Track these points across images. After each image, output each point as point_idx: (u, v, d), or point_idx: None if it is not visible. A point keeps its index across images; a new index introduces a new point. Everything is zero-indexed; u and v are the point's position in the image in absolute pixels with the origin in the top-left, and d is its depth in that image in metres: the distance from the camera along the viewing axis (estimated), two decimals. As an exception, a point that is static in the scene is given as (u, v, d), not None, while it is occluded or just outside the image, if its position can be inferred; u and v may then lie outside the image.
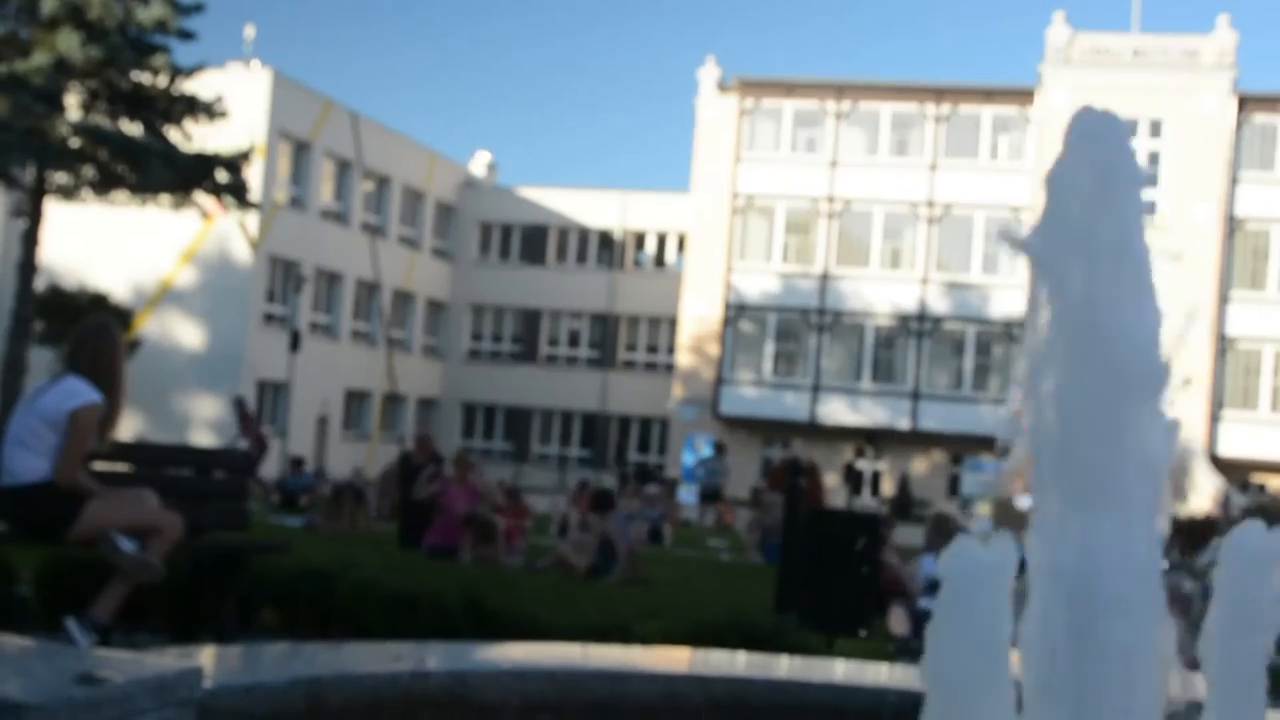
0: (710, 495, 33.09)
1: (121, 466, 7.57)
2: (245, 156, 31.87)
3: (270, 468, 36.67)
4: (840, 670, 4.68)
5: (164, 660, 2.92)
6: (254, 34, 64.13)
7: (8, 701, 2.33)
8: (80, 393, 6.43)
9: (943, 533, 10.92)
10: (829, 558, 10.39)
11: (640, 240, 52.29)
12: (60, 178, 30.73)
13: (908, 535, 22.20)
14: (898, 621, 10.42)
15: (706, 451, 43.16)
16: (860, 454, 46.02)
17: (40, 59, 29.18)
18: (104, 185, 31.08)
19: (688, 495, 35.82)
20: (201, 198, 32.04)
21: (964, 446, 44.49)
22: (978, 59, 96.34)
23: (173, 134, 31.56)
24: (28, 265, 30.74)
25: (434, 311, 52.36)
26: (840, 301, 45.52)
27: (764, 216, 46.48)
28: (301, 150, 43.81)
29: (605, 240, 52.16)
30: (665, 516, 23.71)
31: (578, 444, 51.60)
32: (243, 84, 39.70)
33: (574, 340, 52.39)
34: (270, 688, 3.20)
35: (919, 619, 9.51)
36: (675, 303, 48.65)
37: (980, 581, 2.72)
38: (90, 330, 6.77)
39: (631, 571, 14.10)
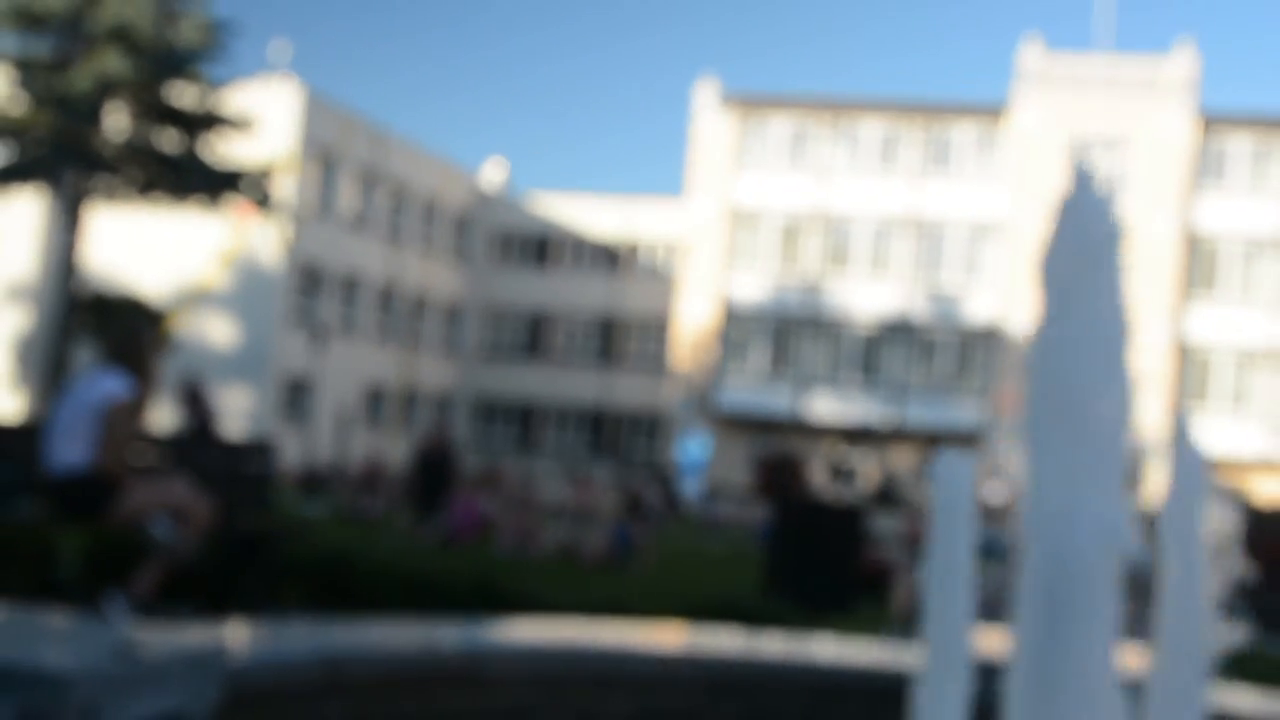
0: None
1: (157, 455, 7.58)
2: (276, 169, 31.90)
3: (293, 456, 36.70)
4: (832, 648, 4.68)
5: (195, 636, 2.92)
6: (286, 51, 64.07)
7: (49, 673, 2.34)
8: (116, 386, 6.46)
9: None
10: (814, 545, 10.42)
11: (641, 247, 52.34)
12: (101, 187, 30.75)
13: (888, 527, 22.20)
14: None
15: (702, 448, 43.09)
16: (846, 450, 46.02)
17: (84, 76, 29.18)
18: (142, 194, 31.10)
19: (687, 488, 35.77)
20: (234, 207, 32.07)
21: (944, 443, 44.51)
22: (964, 76, 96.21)
23: (208, 147, 31.57)
24: (71, 268, 30.76)
25: (449, 313, 52.42)
26: (829, 306, 45.53)
27: (757, 225, 46.48)
28: (329, 163, 43.88)
29: (608, 247, 52.24)
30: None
31: (581, 439, 51.65)
32: (276, 99, 39.83)
33: (579, 341, 52.45)
34: (293, 663, 3.20)
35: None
36: (674, 306, 48.68)
37: (959, 476, 2.88)
38: (126, 330, 6.81)
39: (648, 563, 14.41)
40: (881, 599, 11.35)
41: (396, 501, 20.53)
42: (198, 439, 11.06)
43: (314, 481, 26.02)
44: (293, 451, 36.94)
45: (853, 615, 10.20)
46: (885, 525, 19.84)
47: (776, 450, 44.73)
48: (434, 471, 16.46)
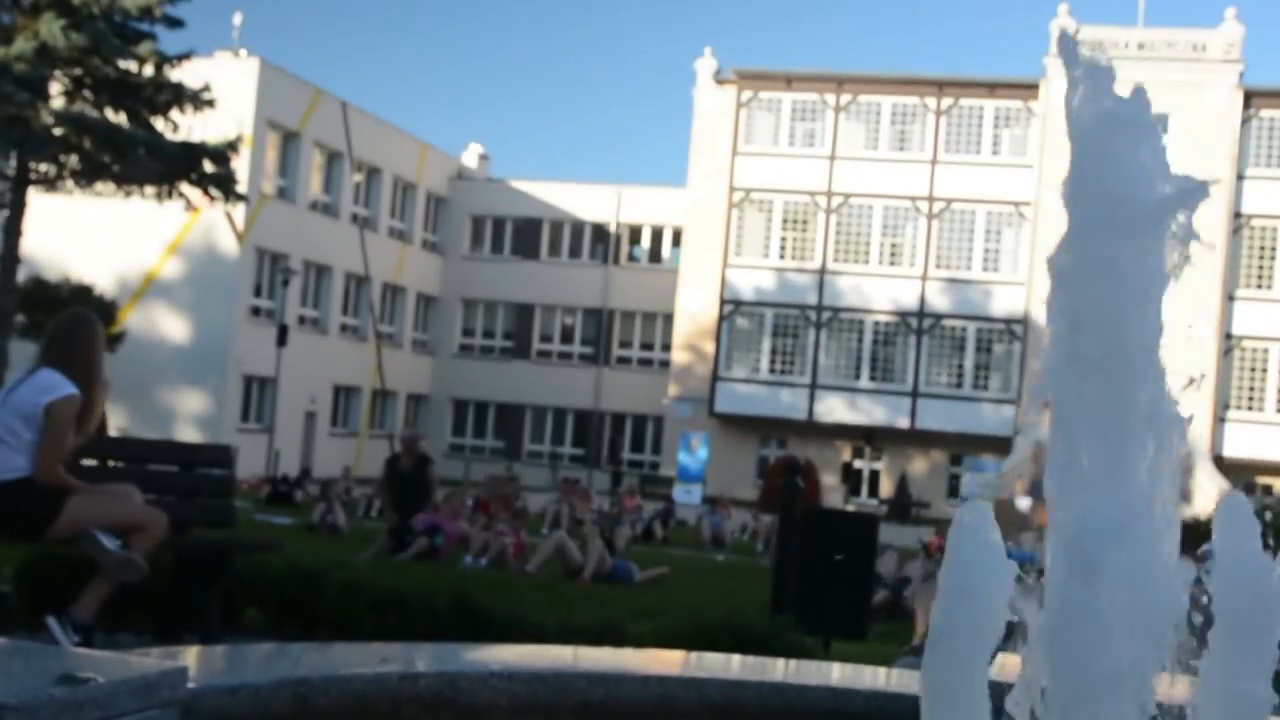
0: None
1: (104, 462, 7.55)
2: (232, 147, 31.82)
3: (256, 464, 36.68)
4: (836, 673, 4.68)
5: (147, 660, 2.92)
6: (242, 22, 64.04)
7: (-14, 702, 2.33)
8: (56, 386, 6.37)
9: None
10: (825, 559, 10.39)
11: (635, 234, 52.28)
12: (43, 167, 30.69)
13: (906, 536, 22.23)
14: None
15: (701, 451, 43.18)
16: (858, 453, 46.06)
17: (22, 45, 29.11)
18: (88, 175, 31.03)
19: (685, 495, 35.82)
20: (187, 189, 32.00)
21: (964, 446, 44.55)
22: (980, 52, 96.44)
23: (158, 123, 31.50)
24: (10, 256, 30.70)
25: (424, 305, 52.33)
26: (838, 298, 45.54)
27: (761, 210, 46.50)
28: (290, 140, 43.76)
29: (599, 234, 52.15)
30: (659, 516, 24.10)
31: (570, 442, 51.59)
32: (230, 73, 39.64)
33: (567, 336, 52.37)
34: (256, 688, 3.19)
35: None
36: (670, 298, 48.66)
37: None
38: (66, 321, 6.72)
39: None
40: (898, 617, 11.37)
41: (367, 513, 20.52)
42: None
43: (277, 490, 26.01)
44: (254, 457, 36.91)
45: (868, 636, 10.21)
46: (901, 536, 19.86)
47: (786, 453, 44.76)
48: (408, 481, 16.45)
